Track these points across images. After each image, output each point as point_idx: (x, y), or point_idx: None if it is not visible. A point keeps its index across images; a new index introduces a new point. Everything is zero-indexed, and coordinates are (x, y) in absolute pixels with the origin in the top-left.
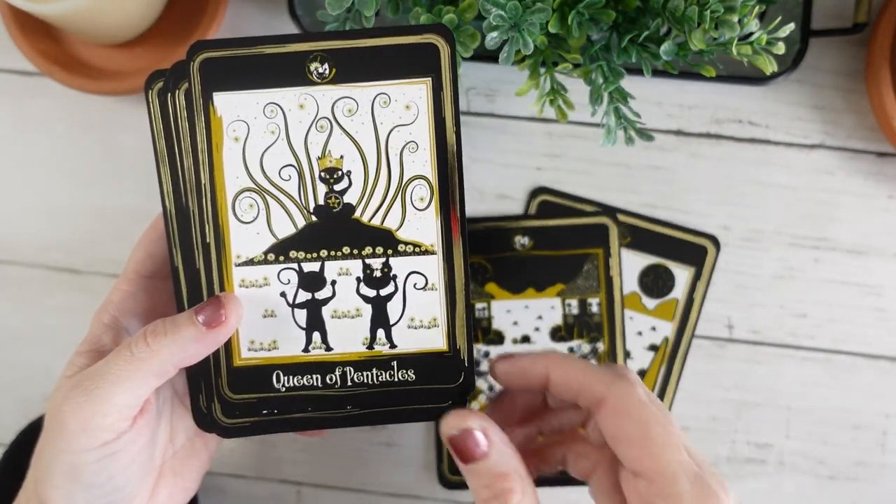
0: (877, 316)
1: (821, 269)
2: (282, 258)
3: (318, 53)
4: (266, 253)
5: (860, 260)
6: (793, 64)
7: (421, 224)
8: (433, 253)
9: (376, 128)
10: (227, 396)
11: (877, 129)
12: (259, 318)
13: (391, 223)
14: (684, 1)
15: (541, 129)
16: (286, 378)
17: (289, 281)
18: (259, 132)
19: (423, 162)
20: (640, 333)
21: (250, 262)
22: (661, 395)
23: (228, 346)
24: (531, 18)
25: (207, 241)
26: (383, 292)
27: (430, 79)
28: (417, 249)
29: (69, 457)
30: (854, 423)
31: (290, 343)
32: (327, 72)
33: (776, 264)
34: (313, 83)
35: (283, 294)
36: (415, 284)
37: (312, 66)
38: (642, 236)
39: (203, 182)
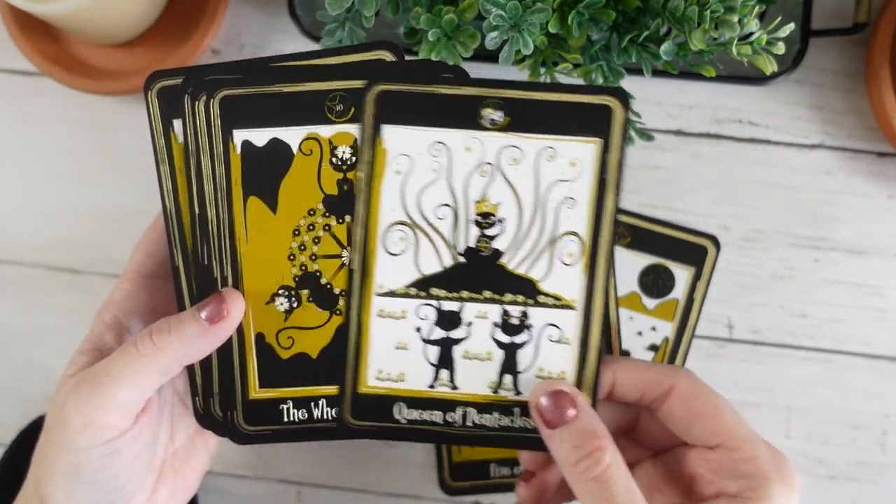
0: (877, 316)
1: (821, 269)
2: (423, 294)
3: (493, 100)
4: (409, 287)
5: (860, 260)
6: (793, 64)
7: (566, 278)
8: (573, 308)
9: (538, 179)
10: (348, 422)
11: (877, 129)
12: (391, 348)
13: (536, 273)
14: (684, 1)
15: None
16: (408, 410)
17: (426, 317)
18: (421, 168)
19: (578, 219)
20: (640, 333)
21: (391, 294)
22: None
23: (356, 371)
24: (531, 18)
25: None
26: (517, 340)
27: (600, 140)
28: (558, 302)
29: (71, 454)
30: (854, 423)
31: (418, 377)
32: (500, 119)
33: (776, 264)
34: (484, 128)
35: (418, 329)
36: (549, 336)
37: (485, 112)
38: (642, 236)
39: (358, 212)
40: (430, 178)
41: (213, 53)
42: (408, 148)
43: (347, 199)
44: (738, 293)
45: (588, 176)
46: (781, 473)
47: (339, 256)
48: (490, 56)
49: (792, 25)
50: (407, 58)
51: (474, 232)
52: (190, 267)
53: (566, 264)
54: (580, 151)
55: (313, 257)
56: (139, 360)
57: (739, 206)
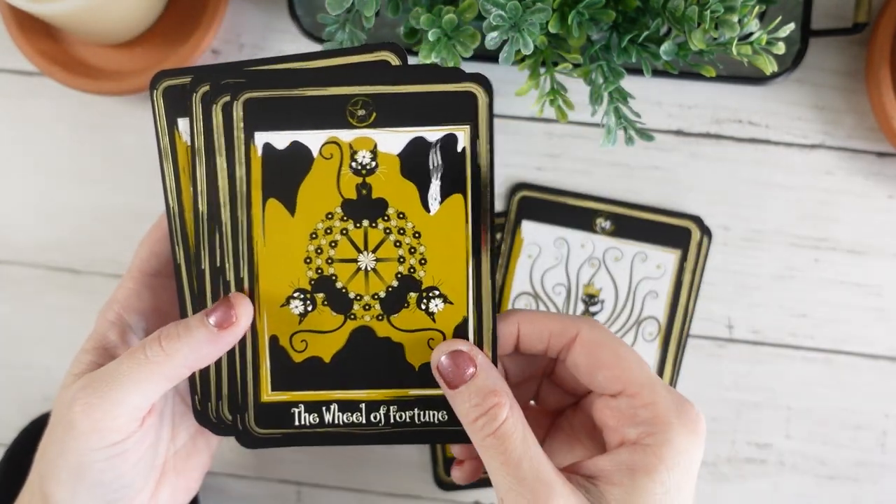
0: (877, 316)
1: (821, 269)
2: None
3: (606, 213)
4: None
5: (860, 260)
6: (793, 64)
7: (644, 351)
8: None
9: (631, 275)
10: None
11: (877, 129)
12: None
13: None
14: (684, 1)
15: (541, 129)
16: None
17: None
18: (547, 255)
19: (658, 307)
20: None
21: None
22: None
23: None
24: (531, 18)
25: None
26: None
27: (679, 251)
28: None
29: (77, 455)
30: (854, 423)
31: None
32: (608, 226)
33: (776, 264)
34: (596, 233)
35: None
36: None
37: (598, 220)
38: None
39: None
40: (551, 263)
41: (213, 53)
42: (539, 239)
43: (365, 204)
44: (738, 293)
45: (669, 276)
46: (683, 418)
47: (356, 261)
48: (490, 56)
49: (792, 25)
50: (411, 60)
51: (581, 307)
52: (192, 267)
53: (646, 341)
54: (665, 259)
55: (329, 261)
56: (148, 366)
57: (739, 206)
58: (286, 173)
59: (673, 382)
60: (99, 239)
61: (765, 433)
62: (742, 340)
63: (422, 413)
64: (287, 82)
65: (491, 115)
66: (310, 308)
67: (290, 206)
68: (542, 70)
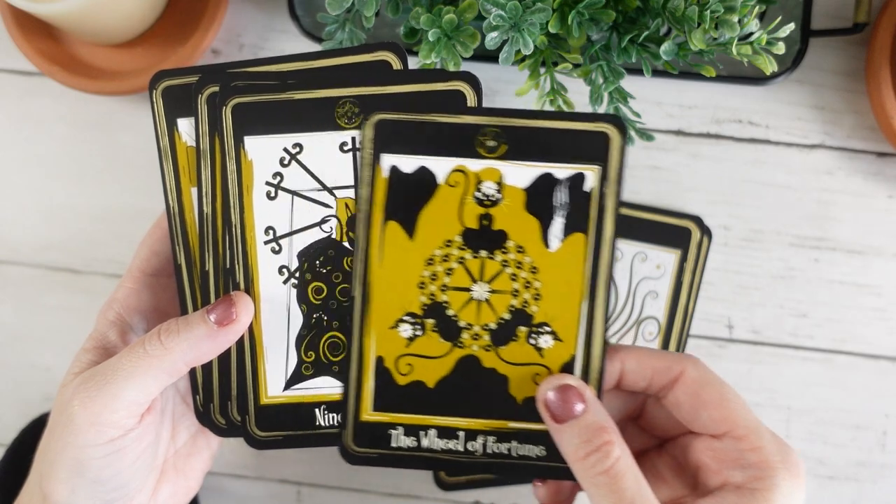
0: (877, 316)
1: (821, 269)
2: None
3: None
4: None
5: (860, 260)
6: (793, 64)
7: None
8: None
9: (631, 275)
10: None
11: (877, 129)
12: None
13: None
14: (684, 1)
15: None
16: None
17: None
18: None
19: (658, 307)
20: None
21: None
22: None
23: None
24: (531, 18)
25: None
26: None
27: (679, 251)
28: None
29: (75, 451)
30: (854, 423)
31: None
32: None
33: (776, 264)
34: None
35: None
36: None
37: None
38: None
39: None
40: None
41: (213, 53)
42: None
43: (486, 234)
44: (738, 293)
45: (668, 276)
46: (787, 463)
47: (469, 290)
48: (490, 56)
49: (792, 25)
50: (411, 61)
51: None
52: (193, 267)
53: (647, 340)
54: (665, 259)
55: (443, 288)
56: (147, 360)
57: (739, 206)
58: (409, 197)
59: None
60: (99, 239)
61: None
62: (742, 340)
63: (520, 447)
64: (418, 107)
65: (623, 158)
66: (418, 333)
67: (410, 230)
68: (542, 70)
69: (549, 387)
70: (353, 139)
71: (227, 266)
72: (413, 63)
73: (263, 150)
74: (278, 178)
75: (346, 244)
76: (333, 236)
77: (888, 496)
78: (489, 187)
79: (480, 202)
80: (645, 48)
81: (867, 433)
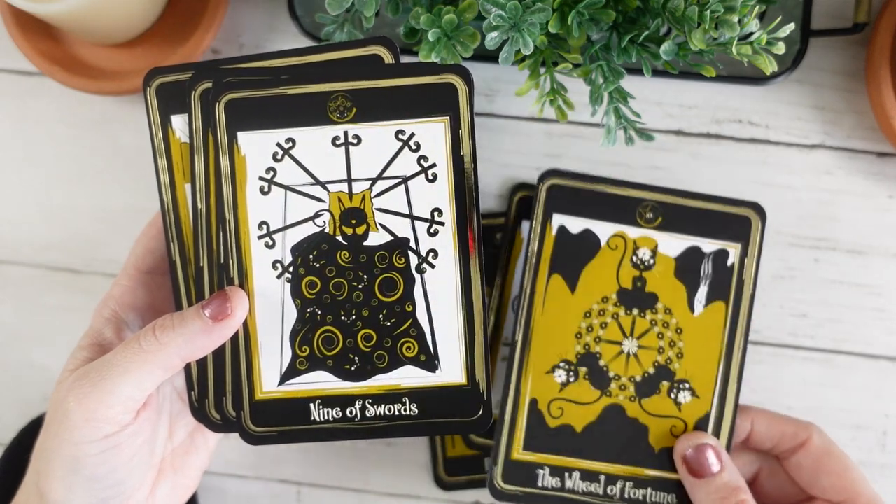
0: (877, 316)
1: (821, 269)
2: None
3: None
4: None
5: (860, 260)
6: (793, 64)
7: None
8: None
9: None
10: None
11: (877, 129)
12: None
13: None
14: (684, 1)
15: (541, 129)
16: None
17: None
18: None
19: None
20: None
21: None
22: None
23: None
24: (531, 18)
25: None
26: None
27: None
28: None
29: (71, 448)
30: (854, 423)
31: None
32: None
33: (776, 264)
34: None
35: None
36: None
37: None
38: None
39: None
40: None
41: (213, 53)
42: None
43: (639, 295)
44: None
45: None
46: None
47: (620, 343)
48: (490, 56)
49: (792, 25)
50: (405, 59)
51: None
52: (188, 263)
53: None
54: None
55: (597, 340)
56: (141, 356)
57: None
58: (574, 255)
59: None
60: (99, 239)
61: None
62: None
63: (654, 493)
64: (592, 178)
65: (761, 241)
66: (572, 379)
67: (572, 285)
68: (542, 70)
69: (690, 444)
70: (346, 133)
71: (221, 262)
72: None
73: (256, 146)
74: (271, 173)
75: (339, 238)
76: (327, 230)
77: (888, 496)
78: (645, 253)
79: (636, 266)
80: (645, 48)
81: (867, 433)
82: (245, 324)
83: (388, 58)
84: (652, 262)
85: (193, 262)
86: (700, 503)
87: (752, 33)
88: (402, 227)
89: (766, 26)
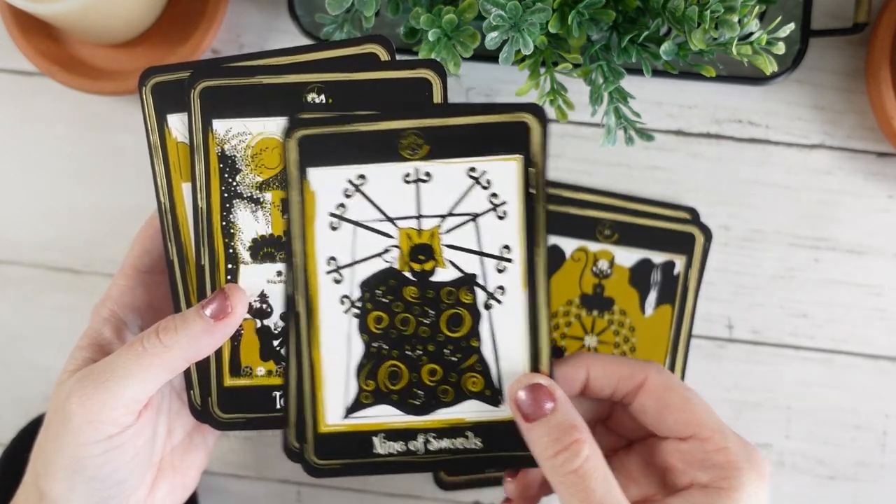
0: (877, 316)
1: (821, 269)
2: None
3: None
4: None
5: (860, 260)
6: (793, 64)
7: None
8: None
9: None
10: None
11: (877, 129)
12: None
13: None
14: (684, 1)
15: None
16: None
17: None
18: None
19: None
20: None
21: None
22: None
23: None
24: (531, 18)
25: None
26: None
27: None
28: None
29: (73, 449)
30: (854, 423)
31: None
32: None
33: (776, 264)
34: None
35: None
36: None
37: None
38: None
39: None
40: None
41: (213, 53)
42: None
43: (598, 299)
44: (738, 293)
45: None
46: (752, 463)
47: (582, 339)
48: (490, 56)
49: (792, 25)
50: (400, 57)
51: None
52: (185, 263)
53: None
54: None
55: (563, 336)
56: (146, 359)
57: (739, 206)
58: None
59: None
60: (99, 239)
61: (765, 433)
62: (742, 340)
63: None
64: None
65: (705, 255)
66: None
67: None
68: (542, 70)
69: (520, 385)
70: (417, 170)
71: (288, 294)
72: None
73: (327, 181)
74: (341, 209)
75: (407, 274)
76: (395, 266)
77: (888, 496)
78: (603, 264)
79: (596, 274)
80: (645, 48)
81: (867, 433)
82: (311, 357)
83: (384, 56)
84: (609, 271)
85: (193, 262)
86: (535, 448)
87: (752, 33)
88: (471, 264)
89: (766, 26)
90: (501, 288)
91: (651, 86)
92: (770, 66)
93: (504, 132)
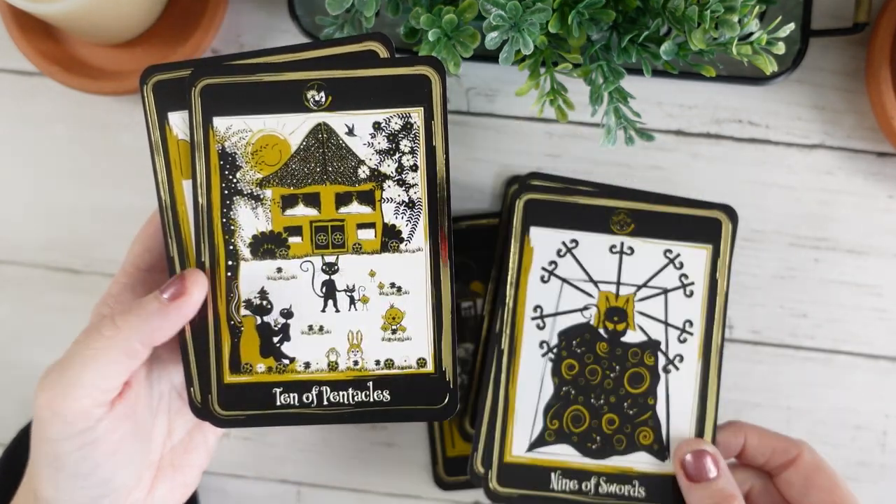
0: (877, 316)
1: (821, 269)
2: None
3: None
4: None
5: (860, 260)
6: (793, 64)
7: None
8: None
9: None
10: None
11: (877, 129)
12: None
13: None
14: (684, 1)
15: (541, 129)
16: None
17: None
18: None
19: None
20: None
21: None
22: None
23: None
24: (531, 18)
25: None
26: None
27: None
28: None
29: (49, 445)
30: (854, 423)
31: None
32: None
33: (776, 264)
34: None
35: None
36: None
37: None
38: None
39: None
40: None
41: (212, 53)
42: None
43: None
44: (738, 293)
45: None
46: None
47: None
48: (490, 56)
49: (792, 25)
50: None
51: None
52: (186, 259)
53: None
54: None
55: None
56: (102, 342)
57: (739, 206)
58: None
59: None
60: (99, 239)
61: None
62: (742, 340)
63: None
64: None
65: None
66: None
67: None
68: (542, 70)
69: (689, 449)
70: (622, 244)
71: (496, 331)
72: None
73: (544, 240)
74: (553, 266)
75: (601, 331)
76: (592, 322)
77: (888, 496)
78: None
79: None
80: (645, 48)
81: (867, 433)
82: (507, 391)
83: (383, 53)
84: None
85: (194, 258)
86: None
87: (752, 33)
88: (657, 331)
89: (766, 26)
90: (680, 356)
91: (651, 86)
92: (770, 66)
93: (698, 225)
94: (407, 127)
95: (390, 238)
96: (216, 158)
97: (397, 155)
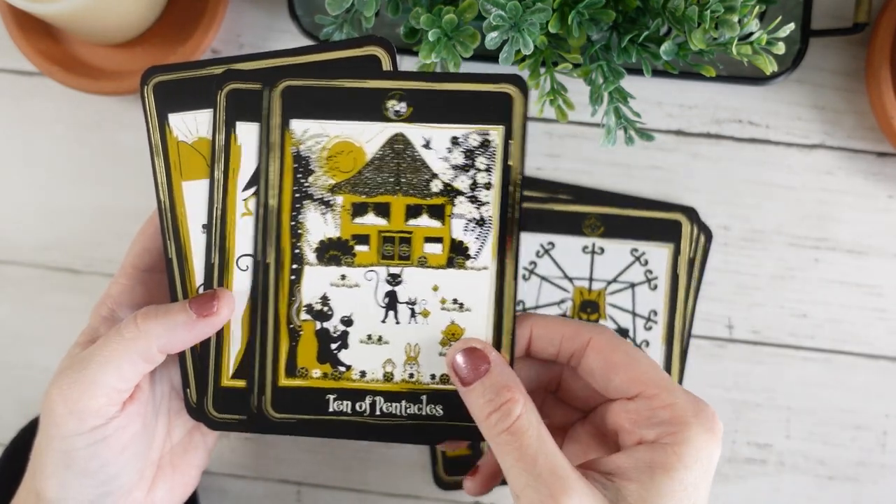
0: (877, 316)
1: (821, 269)
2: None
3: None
4: None
5: (860, 260)
6: (793, 64)
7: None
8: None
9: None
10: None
11: (877, 129)
12: None
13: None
14: (684, 1)
15: (541, 129)
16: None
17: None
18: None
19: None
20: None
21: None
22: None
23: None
24: (531, 18)
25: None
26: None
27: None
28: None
29: (59, 443)
30: (854, 423)
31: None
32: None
33: (776, 264)
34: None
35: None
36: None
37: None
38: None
39: None
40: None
41: (213, 53)
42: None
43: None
44: (738, 293)
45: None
46: (700, 418)
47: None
48: (490, 56)
49: (792, 25)
50: (410, 62)
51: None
52: (184, 261)
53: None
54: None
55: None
56: (123, 344)
57: (739, 206)
58: None
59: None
60: (99, 239)
61: (765, 433)
62: (742, 340)
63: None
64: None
65: (706, 254)
66: None
67: None
68: (542, 70)
69: (457, 350)
70: (594, 244)
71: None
72: (412, 64)
73: (524, 245)
74: (533, 266)
75: None
76: (568, 314)
77: (888, 496)
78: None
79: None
80: (645, 48)
81: (867, 433)
82: None
83: (385, 59)
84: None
85: (192, 260)
86: (473, 411)
87: (752, 33)
88: (625, 320)
89: (766, 26)
90: (646, 342)
91: (651, 86)
92: (770, 66)
93: (661, 227)
94: (485, 144)
95: (457, 254)
96: (290, 161)
97: (472, 171)
